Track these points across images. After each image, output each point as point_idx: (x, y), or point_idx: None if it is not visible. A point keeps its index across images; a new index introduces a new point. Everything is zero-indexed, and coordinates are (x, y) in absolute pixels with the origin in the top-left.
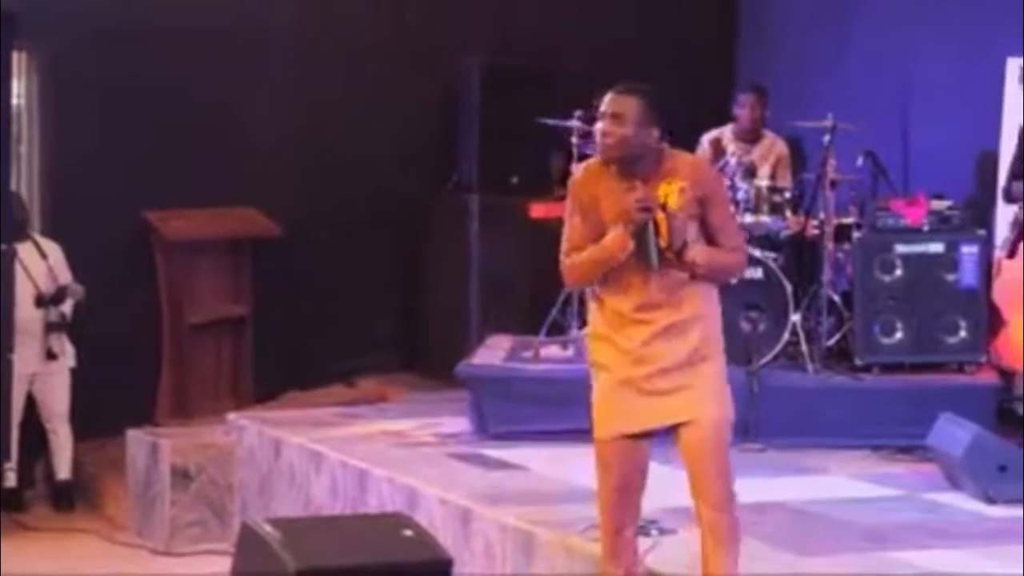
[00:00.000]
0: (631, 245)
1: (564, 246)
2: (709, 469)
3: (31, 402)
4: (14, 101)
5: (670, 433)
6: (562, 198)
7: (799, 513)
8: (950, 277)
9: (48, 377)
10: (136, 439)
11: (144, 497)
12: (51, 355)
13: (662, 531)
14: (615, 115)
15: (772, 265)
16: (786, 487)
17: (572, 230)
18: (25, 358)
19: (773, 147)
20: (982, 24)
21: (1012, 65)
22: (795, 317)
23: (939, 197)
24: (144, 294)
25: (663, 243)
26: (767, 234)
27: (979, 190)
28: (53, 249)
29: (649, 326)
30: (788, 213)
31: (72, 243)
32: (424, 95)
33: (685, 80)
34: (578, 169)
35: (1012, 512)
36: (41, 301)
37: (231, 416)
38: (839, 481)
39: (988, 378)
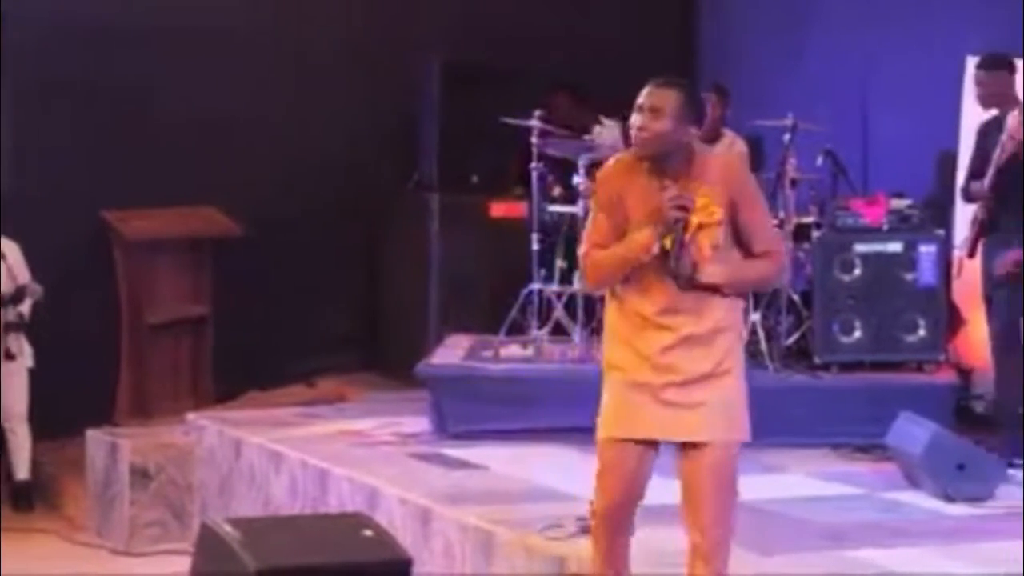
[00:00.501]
0: (657, 247)
1: (585, 244)
2: (708, 497)
3: None
4: None
5: (676, 447)
6: (521, 197)
7: (758, 512)
8: (909, 276)
9: (6, 377)
10: (95, 439)
11: (103, 497)
12: (9, 355)
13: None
14: (653, 109)
15: None
16: (745, 486)
17: (595, 227)
18: None
19: (733, 146)
20: (941, 23)
21: (971, 64)
22: (755, 316)
23: (898, 196)
24: (103, 294)
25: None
26: None
27: (938, 189)
28: (11, 249)
29: (671, 333)
30: None
31: (31, 242)
32: (384, 94)
33: (645, 80)
34: (607, 163)
35: (970, 511)
36: None
37: (191, 416)
38: (798, 480)
39: (947, 377)
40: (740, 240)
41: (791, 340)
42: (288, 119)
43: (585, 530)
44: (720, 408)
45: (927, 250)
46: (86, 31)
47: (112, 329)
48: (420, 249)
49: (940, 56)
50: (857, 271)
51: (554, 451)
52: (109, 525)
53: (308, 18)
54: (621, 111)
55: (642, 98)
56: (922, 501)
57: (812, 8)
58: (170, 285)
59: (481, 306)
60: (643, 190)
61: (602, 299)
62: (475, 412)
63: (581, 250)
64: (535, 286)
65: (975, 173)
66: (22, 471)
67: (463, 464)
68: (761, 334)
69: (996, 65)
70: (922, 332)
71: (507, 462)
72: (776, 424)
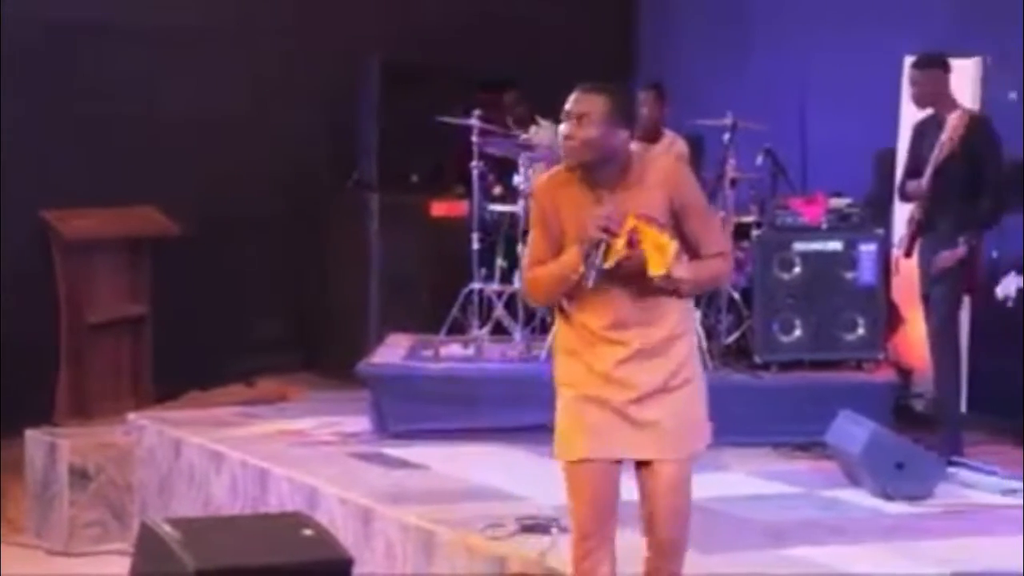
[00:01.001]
0: (583, 267)
1: (525, 259)
2: (667, 512)
3: None
4: None
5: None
6: (461, 196)
7: (699, 510)
8: (848, 275)
9: None
10: (34, 439)
11: (42, 497)
12: None
13: (562, 529)
14: (579, 115)
15: None
16: None
17: (533, 244)
18: None
19: (672, 146)
20: (880, 24)
21: (910, 63)
22: (695, 315)
23: (838, 195)
24: (42, 294)
25: (608, 264)
26: None
27: (878, 188)
28: None
29: (622, 347)
30: None
31: None
32: (324, 93)
33: (585, 78)
34: (541, 178)
35: (909, 509)
36: None
37: (131, 416)
38: (739, 478)
39: (886, 375)
40: (688, 245)
41: (731, 339)
42: (228, 119)
43: (525, 529)
44: (674, 424)
45: (867, 249)
46: (25, 28)
47: (51, 329)
48: (360, 249)
49: (879, 56)
50: (797, 270)
51: (495, 450)
52: (48, 526)
53: (250, 17)
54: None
55: (569, 104)
56: (861, 499)
57: (752, 9)
58: (109, 285)
59: (421, 305)
60: (577, 202)
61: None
62: (416, 411)
63: (523, 266)
64: (475, 285)
65: (911, 172)
66: None
67: (404, 464)
68: (701, 333)
69: (930, 64)
70: (861, 331)
71: (448, 461)
72: (716, 423)
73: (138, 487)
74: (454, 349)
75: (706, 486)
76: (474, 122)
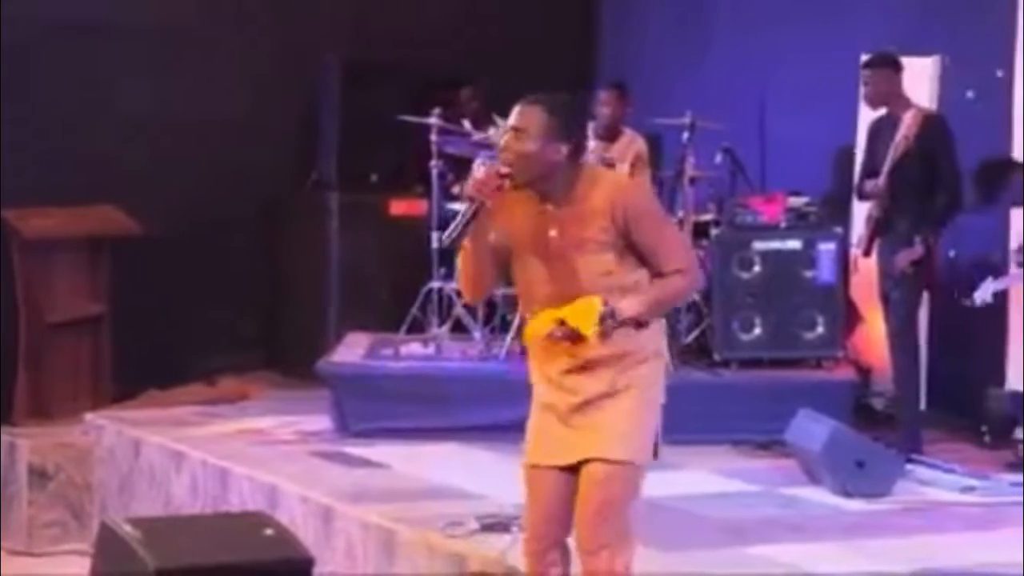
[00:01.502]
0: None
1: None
2: (585, 507)
3: None
4: None
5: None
6: (421, 196)
7: (658, 508)
8: (808, 273)
9: None
10: None
11: (1, 497)
12: None
13: (522, 528)
14: (516, 128)
15: None
16: (646, 482)
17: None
18: None
19: (632, 144)
20: (840, 22)
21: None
22: None
23: (796, 194)
24: (1, 293)
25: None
26: None
27: (837, 187)
28: None
29: (569, 358)
30: None
31: None
32: (283, 92)
33: (546, 76)
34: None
35: (869, 507)
36: None
37: (90, 416)
38: (698, 476)
39: (845, 374)
40: (646, 262)
41: (691, 337)
42: (187, 117)
43: (486, 528)
44: (610, 426)
45: (826, 247)
46: None
47: (10, 328)
48: (320, 248)
49: (838, 55)
50: (756, 268)
51: (455, 449)
52: (7, 526)
53: (210, 17)
54: None
55: (511, 116)
56: (821, 497)
57: (713, 5)
58: (69, 284)
59: (381, 304)
60: (523, 215)
61: (504, 297)
62: (376, 410)
63: None
64: (435, 284)
65: (868, 172)
66: None
67: (364, 462)
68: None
69: (881, 64)
70: (821, 329)
71: (408, 460)
72: (676, 421)
73: (98, 487)
74: (414, 348)
75: (665, 484)
76: (433, 121)
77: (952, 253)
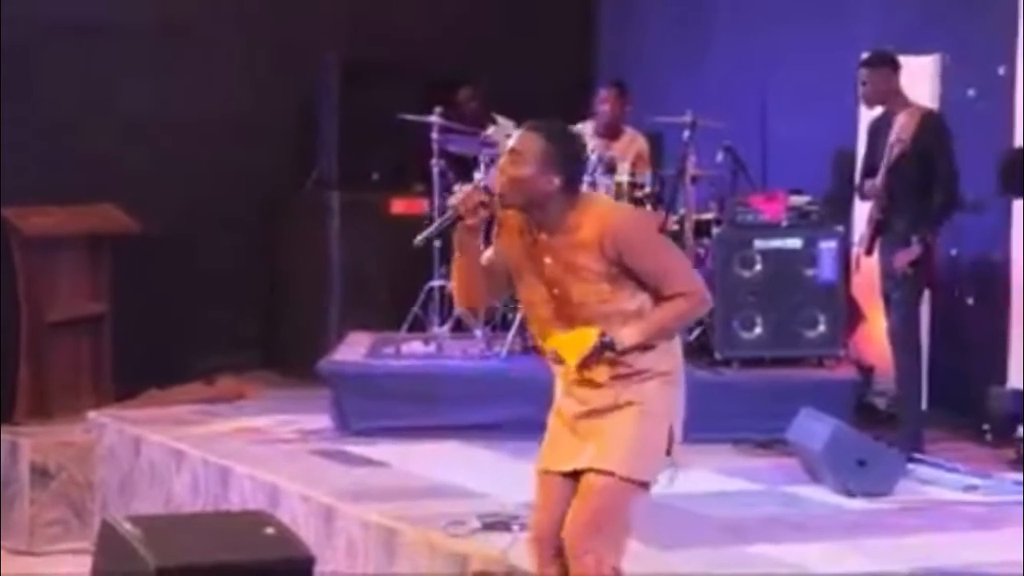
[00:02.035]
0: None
1: None
2: (584, 525)
3: None
4: None
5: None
6: (422, 194)
7: (658, 507)
8: (809, 272)
9: None
10: None
11: (3, 496)
12: None
13: (524, 527)
14: (514, 152)
15: None
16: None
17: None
18: None
19: (633, 143)
20: (841, 21)
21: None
22: None
23: (797, 193)
24: (2, 292)
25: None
26: None
27: (838, 185)
28: None
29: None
30: (648, 208)
31: None
32: (283, 91)
33: (546, 75)
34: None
35: (870, 505)
36: None
37: (91, 414)
38: (699, 475)
39: (847, 372)
40: (647, 288)
41: (692, 336)
42: (187, 117)
43: (487, 527)
44: (610, 438)
45: (827, 246)
46: None
47: (11, 327)
48: (320, 246)
49: (839, 54)
50: (757, 267)
51: (456, 448)
52: (9, 525)
53: (208, 15)
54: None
55: (511, 138)
56: (823, 496)
57: (712, 7)
58: (69, 283)
59: (382, 303)
60: (522, 240)
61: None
62: (377, 409)
63: None
64: (436, 283)
65: (868, 171)
66: None
67: (365, 461)
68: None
69: (879, 63)
70: (822, 328)
71: (409, 459)
72: None
73: (99, 485)
74: (415, 347)
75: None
76: (434, 119)
77: (954, 252)
